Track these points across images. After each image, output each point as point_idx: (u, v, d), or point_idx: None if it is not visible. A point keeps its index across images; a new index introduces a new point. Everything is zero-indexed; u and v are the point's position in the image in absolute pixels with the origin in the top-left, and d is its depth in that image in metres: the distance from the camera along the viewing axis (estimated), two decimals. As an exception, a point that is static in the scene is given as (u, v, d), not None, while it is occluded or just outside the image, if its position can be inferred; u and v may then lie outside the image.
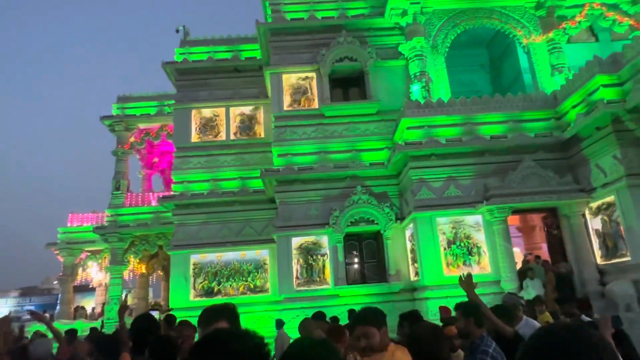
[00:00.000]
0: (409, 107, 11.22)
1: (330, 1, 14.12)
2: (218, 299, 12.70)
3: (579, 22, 13.06)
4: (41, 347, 4.17)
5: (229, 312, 2.12)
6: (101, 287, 22.69)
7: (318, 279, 11.49)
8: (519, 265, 10.79)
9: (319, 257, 11.67)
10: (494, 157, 10.81)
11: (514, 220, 12.24)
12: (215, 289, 13.09)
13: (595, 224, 10.15)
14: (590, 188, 10.10)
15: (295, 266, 11.57)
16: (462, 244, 10.34)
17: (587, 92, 9.92)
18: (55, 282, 28.57)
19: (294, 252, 11.67)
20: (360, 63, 13.14)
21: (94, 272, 21.79)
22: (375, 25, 13.68)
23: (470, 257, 10.26)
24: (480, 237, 10.39)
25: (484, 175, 10.69)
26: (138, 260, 18.91)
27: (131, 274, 19.74)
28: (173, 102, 17.13)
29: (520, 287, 9.68)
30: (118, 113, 18.73)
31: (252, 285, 13.14)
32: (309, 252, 11.71)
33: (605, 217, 9.82)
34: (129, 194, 18.22)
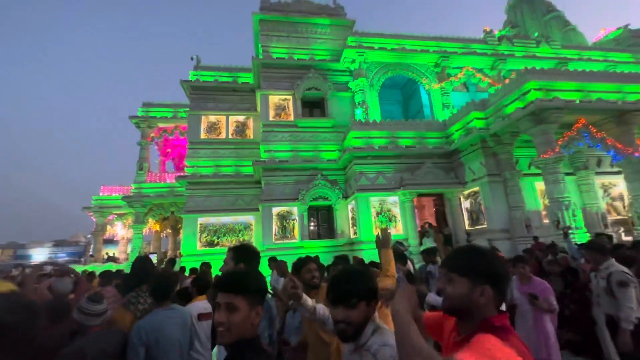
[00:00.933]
0: (354, 124, 11.29)
1: (304, 48, 13.79)
2: (217, 249, 12.20)
3: (460, 78, 13.81)
4: (61, 284, 3.47)
5: (238, 252, 2.29)
6: (123, 240, 21.04)
7: (289, 236, 11.36)
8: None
9: (290, 221, 11.52)
10: (407, 160, 11.11)
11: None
12: (215, 242, 12.52)
13: (465, 204, 10.77)
14: (464, 182, 10.71)
15: (274, 227, 11.35)
16: (385, 215, 10.60)
17: (466, 122, 10.48)
18: (89, 236, 25.96)
19: (274, 217, 11.42)
20: (322, 92, 13.00)
21: (119, 229, 20.11)
22: (333, 67, 13.55)
23: (390, 222, 10.55)
24: (396, 211, 10.71)
25: (400, 171, 10.96)
26: (154, 222, 17.70)
27: (148, 230, 18.44)
28: (185, 109, 16.08)
29: (420, 243, 10.16)
30: (143, 115, 17.23)
31: (241, 239, 12.72)
32: (284, 217, 11.52)
33: (472, 200, 10.46)
34: (149, 173, 16.91)
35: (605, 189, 10.93)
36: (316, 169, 12.00)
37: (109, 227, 19.24)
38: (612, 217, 10.50)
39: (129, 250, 19.24)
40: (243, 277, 1.22)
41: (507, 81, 11.31)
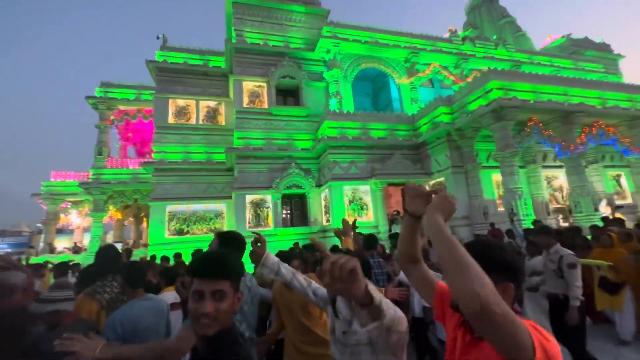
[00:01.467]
0: (329, 114, 11.29)
1: (278, 35, 13.38)
2: (187, 237, 11.77)
3: (427, 74, 14.33)
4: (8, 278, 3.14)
5: (223, 238, 2.11)
6: (79, 230, 19.47)
7: (263, 223, 11.22)
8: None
9: (264, 209, 11.37)
10: (378, 150, 11.37)
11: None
12: (185, 230, 12.03)
13: (430, 193, 11.34)
14: (430, 172, 11.22)
15: (248, 214, 11.13)
16: (357, 203, 10.83)
17: (433, 116, 10.92)
18: (39, 225, 23.57)
19: (247, 205, 11.19)
20: (297, 81, 12.79)
21: (74, 218, 18.52)
22: (307, 56, 13.33)
23: (361, 210, 10.81)
24: (368, 199, 10.96)
25: (372, 161, 11.20)
26: (115, 209, 16.52)
27: (109, 219, 17.18)
28: (151, 91, 15.06)
29: (390, 229, 10.55)
30: (101, 95, 15.77)
31: (212, 227, 12.33)
32: (258, 205, 11.32)
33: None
34: (109, 158, 15.65)
35: (549, 180, 12.13)
36: (290, 158, 11.89)
37: (62, 215, 17.64)
38: (552, 205, 11.72)
39: (85, 240, 17.87)
40: (228, 259, 1.08)
41: (469, 79, 11.95)
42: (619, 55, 20.61)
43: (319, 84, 13.17)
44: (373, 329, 0.96)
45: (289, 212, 11.94)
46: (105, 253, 2.63)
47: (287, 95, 12.93)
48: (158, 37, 13.81)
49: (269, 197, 11.45)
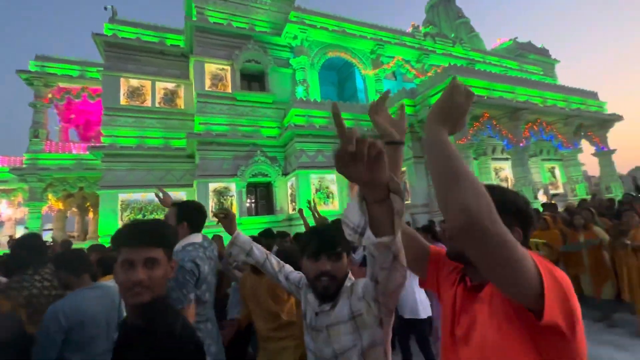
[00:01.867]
0: (296, 102, 11.15)
1: (243, 16, 12.76)
2: (143, 228, 10.99)
3: (391, 67, 14.70)
4: None
5: (183, 209, 2.02)
6: (10, 222, 17.27)
7: (227, 212, 10.86)
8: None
9: (228, 197, 10.98)
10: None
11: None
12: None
13: (393, 182, 11.84)
14: (393, 162, 11.72)
15: (211, 203, 10.68)
16: (324, 191, 10.91)
17: (397, 108, 11.32)
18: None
19: (210, 193, 10.72)
20: (262, 66, 12.35)
21: (3, 208, 16.35)
22: (273, 41, 12.91)
23: (327, 199, 10.94)
24: (334, 188, 11.07)
25: (338, 150, 11.35)
26: (56, 199, 14.85)
27: (49, 209, 15.41)
28: (96, 69, 13.67)
29: (355, 217, 10.83)
30: (37, 70, 13.89)
31: (171, 217, 11.65)
32: (221, 194, 10.91)
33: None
34: (48, 142, 13.95)
35: (496, 171, 13.26)
36: (255, 145, 11.55)
37: (-11, 205, 15.48)
38: (499, 194, 12.85)
39: (18, 233, 15.90)
40: (161, 227, 1.06)
41: (429, 74, 12.48)
42: (555, 60, 22.91)
43: (286, 70, 12.87)
44: (387, 242, 0.79)
45: (254, 200, 11.68)
46: (26, 243, 2.32)
47: (252, 80, 12.47)
48: (106, 8, 12.43)
49: (233, 186, 11.07)
